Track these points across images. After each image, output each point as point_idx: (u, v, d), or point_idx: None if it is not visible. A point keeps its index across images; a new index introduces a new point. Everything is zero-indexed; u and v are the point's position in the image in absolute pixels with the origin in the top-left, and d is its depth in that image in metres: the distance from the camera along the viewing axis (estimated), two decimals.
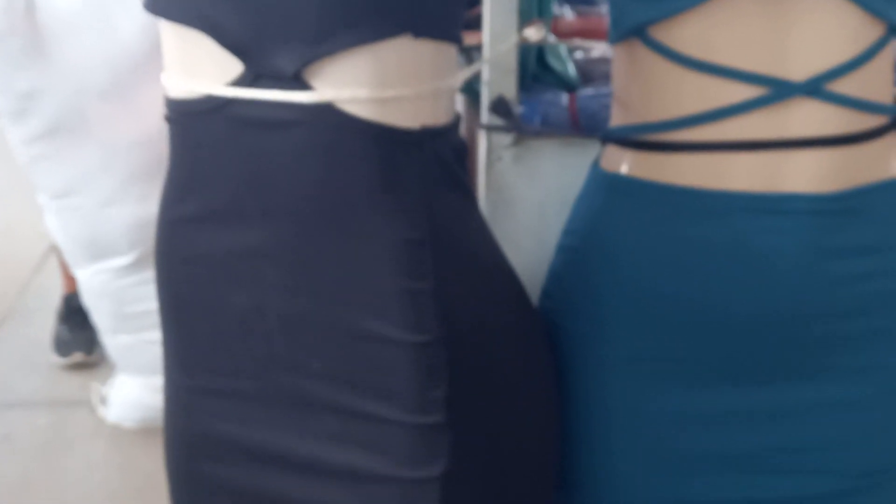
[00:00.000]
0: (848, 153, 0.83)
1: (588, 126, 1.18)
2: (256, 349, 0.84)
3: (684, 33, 0.82)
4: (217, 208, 0.83)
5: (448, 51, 0.84)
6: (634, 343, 0.90)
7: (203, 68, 0.80)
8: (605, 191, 0.93)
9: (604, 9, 1.47)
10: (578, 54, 1.33)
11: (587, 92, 1.25)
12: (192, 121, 0.84)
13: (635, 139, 0.89)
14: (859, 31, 0.81)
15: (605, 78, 1.25)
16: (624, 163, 0.90)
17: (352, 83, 0.76)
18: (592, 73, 1.31)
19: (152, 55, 1.59)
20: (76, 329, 2.18)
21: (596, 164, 0.96)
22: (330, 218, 0.79)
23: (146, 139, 1.69)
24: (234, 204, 0.82)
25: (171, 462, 0.96)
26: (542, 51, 1.26)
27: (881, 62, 0.84)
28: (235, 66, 0.77)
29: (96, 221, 1.73)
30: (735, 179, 0.83)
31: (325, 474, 0.83)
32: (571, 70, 1.28)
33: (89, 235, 1.75)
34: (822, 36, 0.81)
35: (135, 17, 1.62)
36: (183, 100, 0.83)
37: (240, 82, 0.77)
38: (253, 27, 0.76)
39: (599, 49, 1.36)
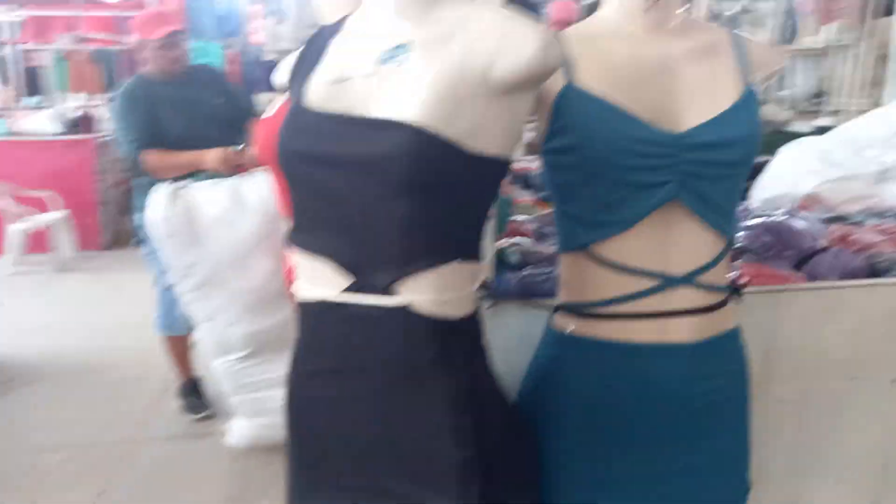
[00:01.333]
0: (708, 317, 1.14)
1: (531, 292, 1.54)
2: (353, 460, 1.10)
3: (611, 248, 1.12)
4: (329, 367, 1.09)
5: (477, 266, 1.09)
6: (578, 436, 1.18)
7: (323, 280, 1.06)
8: (557, 343, 1.22)
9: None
10: (517, 248, 1.77)
11: (526, 271, 1.63)
12: (314, 313, 1.10)
13: (578, 311, 1.18)
14: (713, 243, 1.13)
15: (534, 263, 1.68)
16: (569, 325, 1.19)
17: (423, 291, 1.01)
18: (528, 259, 1.72)
19: (258, 244, 2.64)
20: (199, 397, 3.33)
21: (549, 327, 1.24)
22: (404, 375, 1.04)
23: (252, 289, 2.65)
24: (340, 365, 1.08)
25: None
26: (503, 250, 1.71)
27: (724, 262, 1.16)
28: (346, 279, 1.04)
29: (224, 334, 2.72)
30: (642, 335, 1.13)
31: None
32: (515, 259, 1.71)
33: (220, 341, 2.75)
34: (692, 248, 1.12)
35: (249, 222, 2.59)
36: (308, 300, 1.10)
37: (348, 289, 1.04)
38: (360, 255, 1.02)
39: (526, 244, 1.82)
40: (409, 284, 1.01)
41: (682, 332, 1.13)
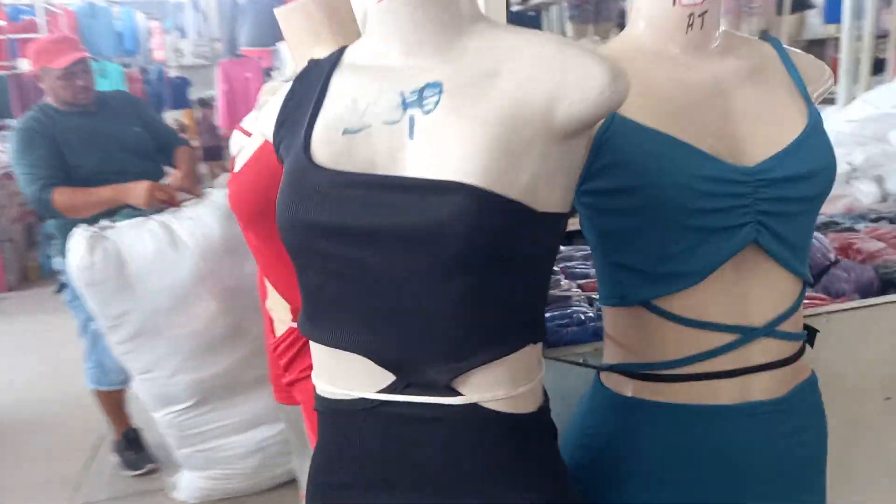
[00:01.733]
0: (788, 369, 1.03)
1: (555, 340, 1.43)
2: None
3: (681, 302, 0.99)
4: (366, 480, 0.90)
5: (540, 345, 0.93)
6: None
7: (354, 378, 0.88)
8: (615, 409, 1.08)
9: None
10: None
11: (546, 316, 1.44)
12: (343, 415, 0.91)
13: (639, 373, 1.04)
14: (791, 287, 1.02)
15: (549, 304, 1.50)
16: (628, 388, 1.06)
17: (492, 386, 0.84)
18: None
19: (198, 286, 2.44)
20: (139, 450, 3.04)
21: (598, 390, 1.11)
22: (469, 489, 0.86)
23: (195, 333, 2.47)
24: (383, 477, 0.88)
25: None
26: None
27: (802, 307, 1.06)
28: (386, 377, 0.85)
29: (166, 385, 2.52)
30: (719, 396, 1.01)
31: None
32: None
33: (161, 393, 2.55)
34: (770, 295, 1.01)
35: (186, 263, 2.40)
36: (335, 399, 0.91)
37: (391, 389, 0.85)
38: (406, 350, 0.84)
39: None
40: (472, 381, 0.83)
41: (763, 388, 1.01)
